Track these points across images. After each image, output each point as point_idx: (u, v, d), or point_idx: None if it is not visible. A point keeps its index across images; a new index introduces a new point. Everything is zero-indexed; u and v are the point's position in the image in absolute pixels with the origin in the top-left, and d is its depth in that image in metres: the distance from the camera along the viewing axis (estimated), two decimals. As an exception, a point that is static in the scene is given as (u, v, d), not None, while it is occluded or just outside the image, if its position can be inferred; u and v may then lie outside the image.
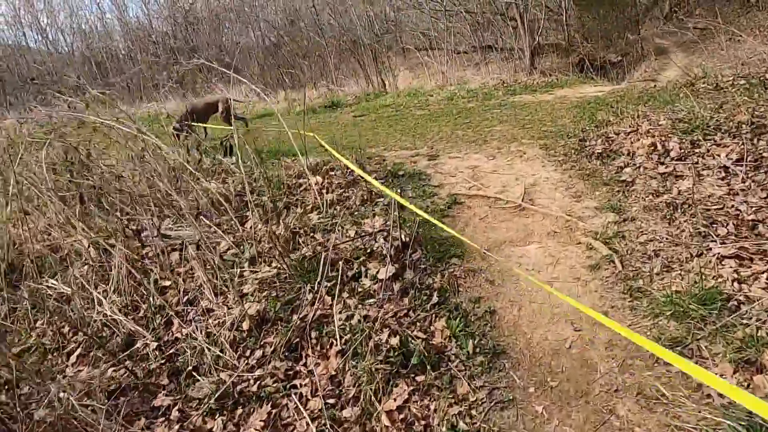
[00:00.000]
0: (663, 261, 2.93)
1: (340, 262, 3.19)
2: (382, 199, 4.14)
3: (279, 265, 3.34)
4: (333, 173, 4.83)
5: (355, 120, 8.87)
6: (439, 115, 8.14)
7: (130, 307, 3.46)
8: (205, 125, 8.25)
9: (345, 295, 3.06)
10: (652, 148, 4.28)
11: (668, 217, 3.36)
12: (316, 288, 3.10)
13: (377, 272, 3.12)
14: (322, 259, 3.10)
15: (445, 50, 14.23)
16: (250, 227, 4.04)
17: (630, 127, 4.90)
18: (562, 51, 15.04)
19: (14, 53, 24.68)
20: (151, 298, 3.46)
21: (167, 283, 3.65)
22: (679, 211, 3.36)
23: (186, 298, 3.46)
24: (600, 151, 4.62)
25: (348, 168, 4.87)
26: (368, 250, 3.33)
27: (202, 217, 4.15)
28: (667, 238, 3.14)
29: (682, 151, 4.12)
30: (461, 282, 3.07)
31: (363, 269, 3.19)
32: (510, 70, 11.34)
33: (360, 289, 3.06)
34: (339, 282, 3.10)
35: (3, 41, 24.63)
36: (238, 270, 3.50)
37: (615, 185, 3.98)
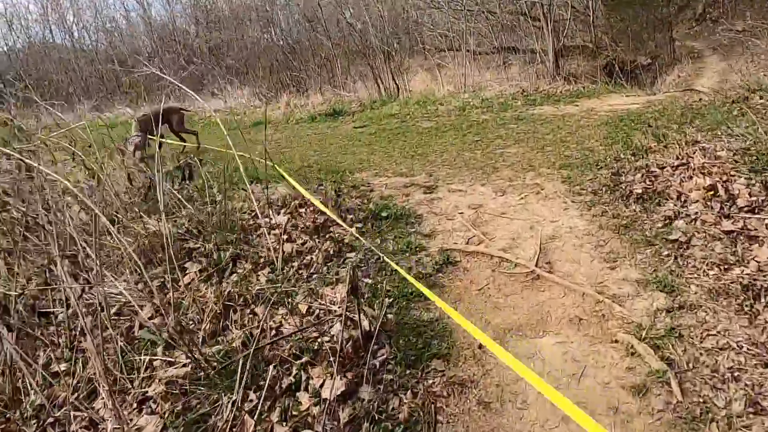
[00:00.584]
0: (746, 392, 1.93)
1: (272, 366, 2.26)
2: (353, 256, 3.20)
3: (193, 359, 2.43)
4: (302, 211, 3.90)
5: (353, 133, 7.95)
6: (447, 129, 7.16)
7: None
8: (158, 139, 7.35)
9: (274, 417, 2.13)
10: (711, 191, 3.25)
11: (745, 307, 2.34)
12: (236, 402, 2.18)
13: (321, 385, 2.18)
14: (240, 363, 2.17)
15: (463, 51, 13.24)
16: (183, 289, 3.15)
17: (677, 158, 3.86)
18: (589, 53, 13.93)
19: (42, 50, 24.62)
20: (31, 392, 2.59)
21: (62, 366, 2.77)
22: (762, 299, 2.34)
23: (77, 394, 2.58)
24: (640, 191, 3.59)
25: (322, 202, 3.95)
26: (316, 344, 2.39)
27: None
28: (747, 348, 2.13)
29: (754, 198, 3.08)
30: (442, 406, 2.11)
31: (304, 376, 2.26)
32: (532, 76, 10.27)
33: (295, 412, 2.13)
34: (268, 394, 2.18)
35: (32, 38, 24.75)
36: (146, 357, 2.60)
37: (663, 246, 2.96)
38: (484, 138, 6.17)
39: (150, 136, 6.77)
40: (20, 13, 24.89)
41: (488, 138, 6.15)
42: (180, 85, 4.21)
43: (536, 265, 2.93)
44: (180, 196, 4.10)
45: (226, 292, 2.89)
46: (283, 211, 3.99)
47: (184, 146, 7.95)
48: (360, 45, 12.35)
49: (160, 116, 7.13)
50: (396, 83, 11.48)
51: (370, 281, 2.87)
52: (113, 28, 24.95)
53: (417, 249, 3.27)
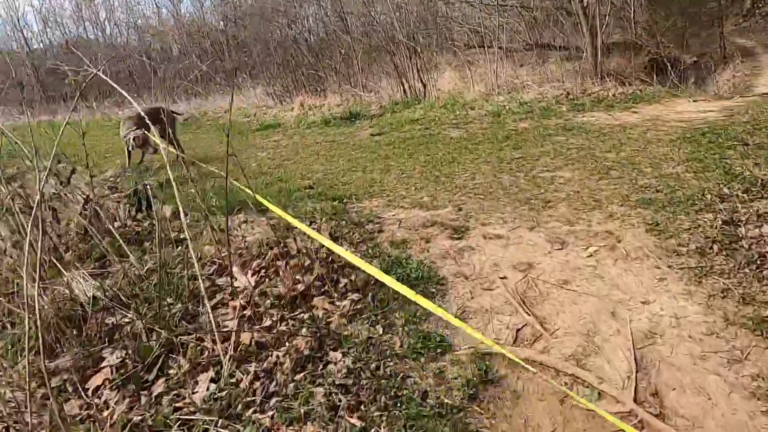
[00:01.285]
0: None
1: None
2: (338, 359, 2.07)
3: None
4: (280, 267, 2.80)
5: (369, 142, 6.83)
6: (479, 140, 5.97)
7: None
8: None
9: None
10: None
11: None
12: None
13: None
14: None
15: (495, 48, 12.00)
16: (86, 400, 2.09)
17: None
18: (629, 51, 12.53)
19: (76, 46, 24.65)
20: None
21: None
22: None
23: None
24: (778, 257, 2.39)
25: (308, 254, 2.86)
26: None
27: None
28: None
29: None
30: None
31: None
32: (573, 75, 8.96)
33: None
34: None
35: (68, 35, 25.17)
36: None
37: None
38: (526, 154, 4.98)
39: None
40: (55, 10, 25.11)
41: (531, 154, 4.95)
42: (120, 91, 3.13)
43: (635, 400, 1.77)
44: (121, 241, 3.05)
45: (131, 423, 1.81)
46: (255, 265, 2.91)
47: (180, 156, 7.00)
48: (383, 40, 11.24)
49: (163, 114, 6.33)
50: (422, 81, 10.30)
51: (359, 424, 1.75)
52: (144, 24, 25.11)
53: (437, 349, 2.13)
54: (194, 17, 24.07)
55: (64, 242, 3.22)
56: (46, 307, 2.51)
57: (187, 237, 2.40)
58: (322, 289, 2.61)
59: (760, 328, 2.04)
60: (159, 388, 2.08)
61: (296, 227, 2.91)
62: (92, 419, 1.98)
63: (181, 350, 2.27)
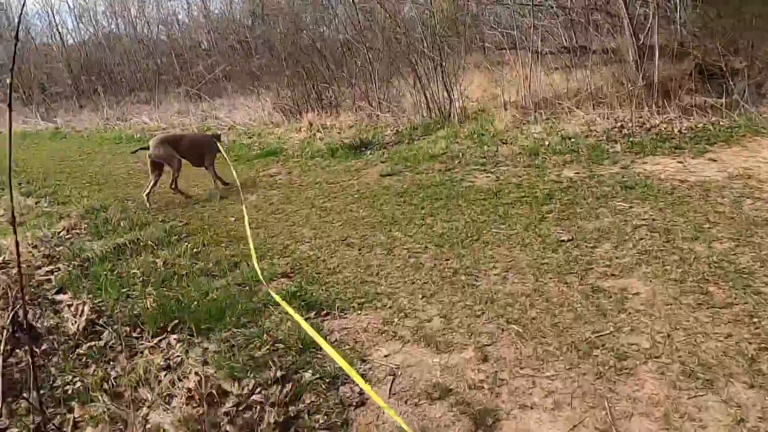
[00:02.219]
0: None
1: None
2: None
3: None
4: None
5: (377, 186, 5.62)
6: (512, 197, 4.70)
7: None
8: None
9: None
10: None
11: None
12: None
13: None
14: None
15: (529, 52, 10.63)
16: None
17: None
18: (672, 55, 10.97)
19: (108, 42, 24.53)
20: None
21: None
22: None
23: None
24: None
25: None
26: None
27: None
28: None
29: None
30: None
31: None
32: (626, 100, 7.52)
33: None
34: None
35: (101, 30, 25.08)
36: None
37: None
38: (577, 235, 3.69)
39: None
40: (89, 6, 24.97)
41: (584, 235, 3.66)
42: None
43: None
44: None
45: None
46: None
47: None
48: (405, 47, 9.98)
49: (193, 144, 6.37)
50: (448, 91, 9.00)
51: None
52: (173, 20, 24.69)
53: None
54: (224, 14, 23.63)
55: None
56: None
57: None
58: None
59: None
60: None
61: None
62: None
63: None
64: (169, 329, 2.97)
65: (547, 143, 6.35)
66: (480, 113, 10.24)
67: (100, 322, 3.11)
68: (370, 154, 7.34)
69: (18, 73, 22.70)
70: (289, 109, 10.94)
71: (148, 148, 6.07)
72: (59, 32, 24.94)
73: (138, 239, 4.53)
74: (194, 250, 4.34)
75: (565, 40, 12.71)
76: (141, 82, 21.43)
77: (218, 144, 6.47)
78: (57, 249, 4.54)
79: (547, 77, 10.06)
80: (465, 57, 14.69)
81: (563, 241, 3.63)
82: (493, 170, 5.73)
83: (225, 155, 6.17)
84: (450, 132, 7.56)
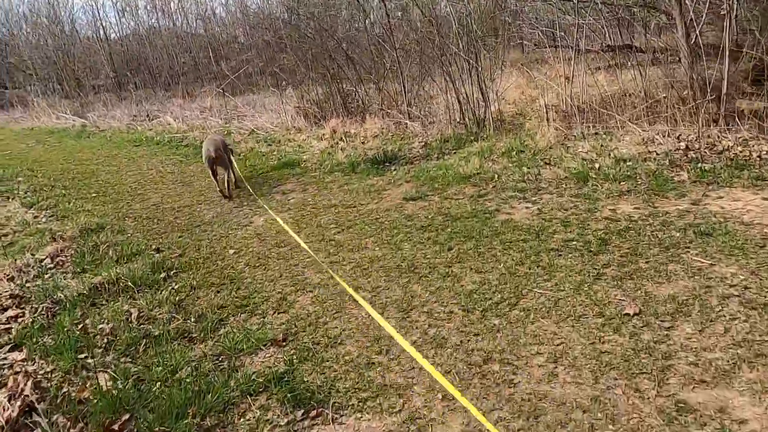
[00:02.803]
0: None
1: None
2: None
3: None
4: None
5: (398, 215, 4.89)
6: (557, 240, 3.90)
7: None
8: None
9: None
10: None
11: None
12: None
13: None
14: None
15: (571, 51, 9.69)
16: None
17: None
18: (723, 55, 9.85)
19: (148, 36, 24.88)
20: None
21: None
22: None
23: None
24: None
25: None
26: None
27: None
28: None
29: None
30: None
31: None
32: (688, 117, 6.55)
33: None
34: None
35: (143, 24, 25.51)
36: None
37: None
38: (645, 304, 2.88)
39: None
40: (131, 1, 25.33)
41: (655, 306, 2.85)
42: None
43: None
44: None
45: None
46: None
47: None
48: (438, 48, 9.17)
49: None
50: (483, 95, 8.17)
51: None
52: (211, 14, 24.98)
53: None
54: (261, 9, 23.57)
55: None
56: None
57: None
58: None
59: None
60: None
61: None
62: None
63: None
64: (116, 428, 2.33)
65: (597, 166, 5.49)
66: (518, 118, 9.39)
67: (39, 408, 2.49)
68: (395, 170, 6.61)
69: (62, 66, 22.95)
70: (313, 113, 10.29)
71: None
72: (102, 26, 25.50)
73: (119, 278, 3.93)
74: (179, 296, 3.71)
75: (610, 38, 11.76)
76: (177, 76, 21.50)
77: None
78: (29, 287, 3.99)
79: (592, 76, 9.16)
80: (502, 56, 13.77)
81: (628, 315, 2.83)
82: (534, 199, 4.92)
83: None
84: (484, 146, 6.75)
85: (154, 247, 4.87)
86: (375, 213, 5.13)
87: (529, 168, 5.74)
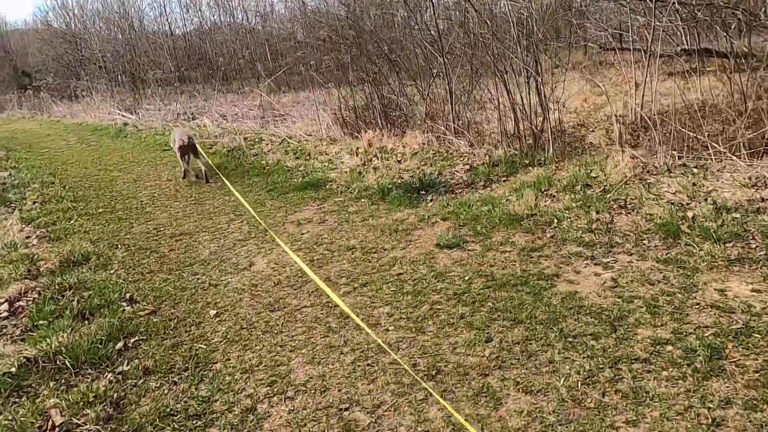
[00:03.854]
0: None
1: None
2: None
3: None
4: None
5: (428, 270, 3.83)
6: (647, 344, 2.73)
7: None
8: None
9: None
10: None
11: None
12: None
13: None
14: None
15: (645, 56, 8.28)
16: None
17: None
18: None
19: (210, 32, 25.33)
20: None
21: None
22: None
23: None
24: None
25: None
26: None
27: None
28: None
29: None
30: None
31: None
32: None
33: None
34: None
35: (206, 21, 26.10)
36: None
37: None
38: None
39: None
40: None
41: None
42: None
43: None
44: None
45: None
46: None
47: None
48: (493, 53, 7.99)
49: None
50: (542, 105, 6.97)
51: None
52: (269, 11, 25.27)
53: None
54: (318, 5, 23.33)
55: None
56: None
57: None
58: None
59: None
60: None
61: None
62: None
63: None
64: None
65: (691, 215, 4.22)
66: (579, 130, 8.13)
67: None
68: (431, 201, 5.55)
69: (129, 60, 23.28)
70: (351, 122, 9.35)
71: None
72: (168, 21, 26.07)
73: (59, 352, 3.09)
74: (122, 389, 2.82)
75: (686, 41, 10.29)
76: (234, 72, 21.44)
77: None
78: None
79: (665, 83, 7.83)
80: (565, 60, 12.50)
81: None
82: (606, 261, 3.75)
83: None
84: (542, 175, 5.57)
85: (129, 295, 4.04)
86: (399, 265, 4.10)
87: (598, 211, 4.54)
